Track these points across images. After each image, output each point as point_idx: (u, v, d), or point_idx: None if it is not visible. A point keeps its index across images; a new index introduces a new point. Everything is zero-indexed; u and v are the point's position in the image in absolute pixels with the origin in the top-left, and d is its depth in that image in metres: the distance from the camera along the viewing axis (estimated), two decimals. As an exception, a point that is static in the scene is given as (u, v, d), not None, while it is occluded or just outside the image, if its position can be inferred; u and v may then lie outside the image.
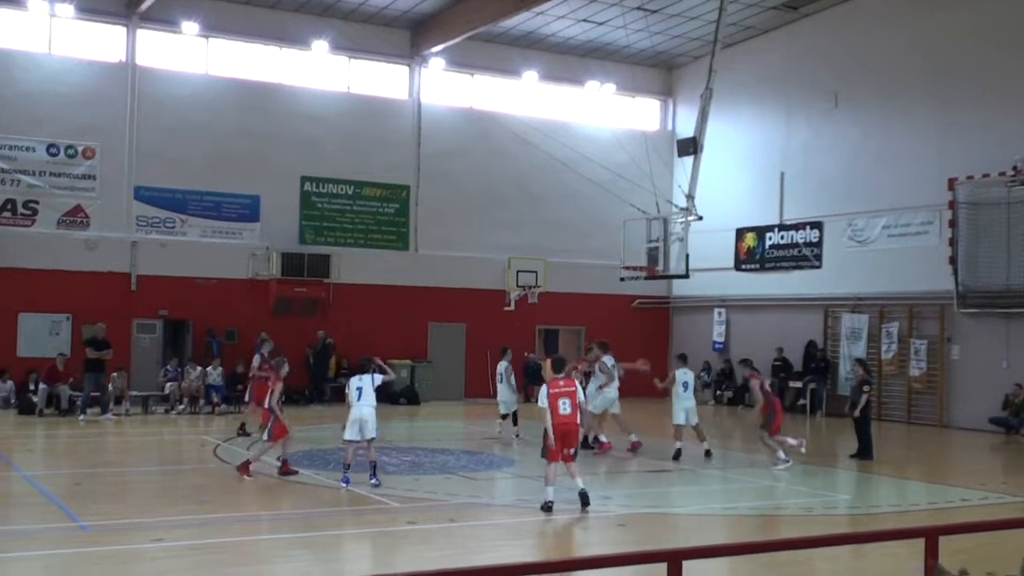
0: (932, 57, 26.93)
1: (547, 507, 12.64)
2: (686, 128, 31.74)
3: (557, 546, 11.49)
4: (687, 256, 26.82)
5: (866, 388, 18.76)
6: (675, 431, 18.37)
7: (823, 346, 29.08)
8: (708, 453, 18.32)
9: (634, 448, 18.48)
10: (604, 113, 34.22)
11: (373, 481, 14.06)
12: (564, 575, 8.45)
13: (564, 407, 12.82)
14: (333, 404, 27.65)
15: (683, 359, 19.25)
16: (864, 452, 18.62)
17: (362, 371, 14.66)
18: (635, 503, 14.14)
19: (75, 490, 13.92)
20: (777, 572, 9.78)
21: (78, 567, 9.77)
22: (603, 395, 18.49)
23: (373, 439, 14.36)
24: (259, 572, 9.57)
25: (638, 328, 33.54)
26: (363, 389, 14.34)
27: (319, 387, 28.55)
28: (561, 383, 13.14)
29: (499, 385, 21.10)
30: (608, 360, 18.64)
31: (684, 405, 18.31)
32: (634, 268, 27.11)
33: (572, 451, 12.98)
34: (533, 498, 13.83)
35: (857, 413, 18.56)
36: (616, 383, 18.61)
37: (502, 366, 21.19)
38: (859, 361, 20.64)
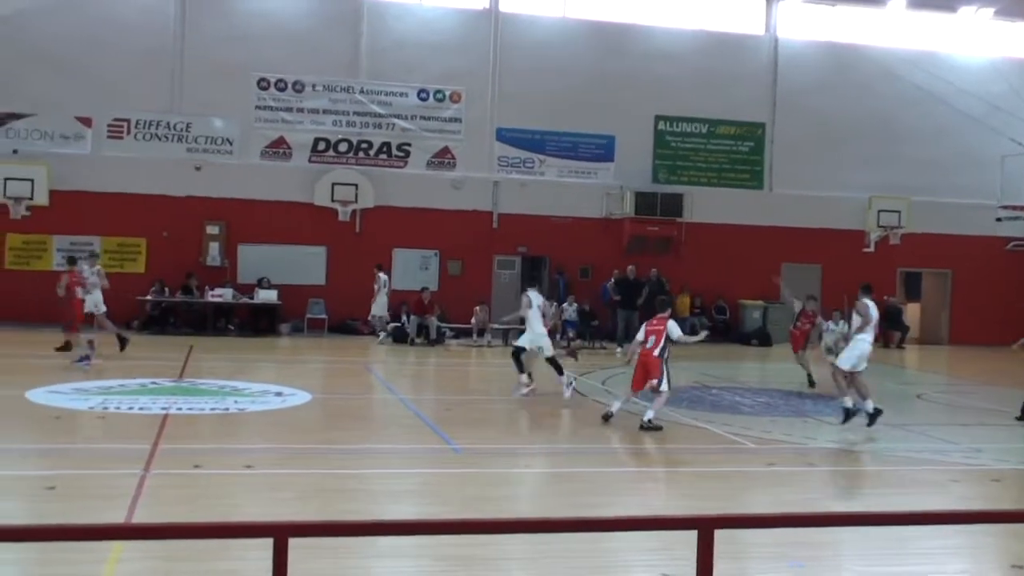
0: None
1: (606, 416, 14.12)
2: (1077, 53, 28.85)
3: (924, 498, 10.94)
4: (1076, 195, 24.59)
5: None
6: None
7: None
8: None
9: None
10: (980, 40, 31.62)
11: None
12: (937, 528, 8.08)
13: (650, 342, 13.95)
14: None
15: None
16: None
17: None
18: (1010, 457, 13.21)
19: (446, 415, 14.86)
20: None
21: (451, 486, 10.41)
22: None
23: None
24: (610, 503, 9.78)
25: (1012, 273, 31.11)
26: None
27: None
28: (655, 321, 14.16)
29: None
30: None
31: None
32: (1014, 208, 25.22)
33: (654, 382, 13.77)
34: (899, 446, 13.32)
35: None
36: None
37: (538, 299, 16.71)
38: None
